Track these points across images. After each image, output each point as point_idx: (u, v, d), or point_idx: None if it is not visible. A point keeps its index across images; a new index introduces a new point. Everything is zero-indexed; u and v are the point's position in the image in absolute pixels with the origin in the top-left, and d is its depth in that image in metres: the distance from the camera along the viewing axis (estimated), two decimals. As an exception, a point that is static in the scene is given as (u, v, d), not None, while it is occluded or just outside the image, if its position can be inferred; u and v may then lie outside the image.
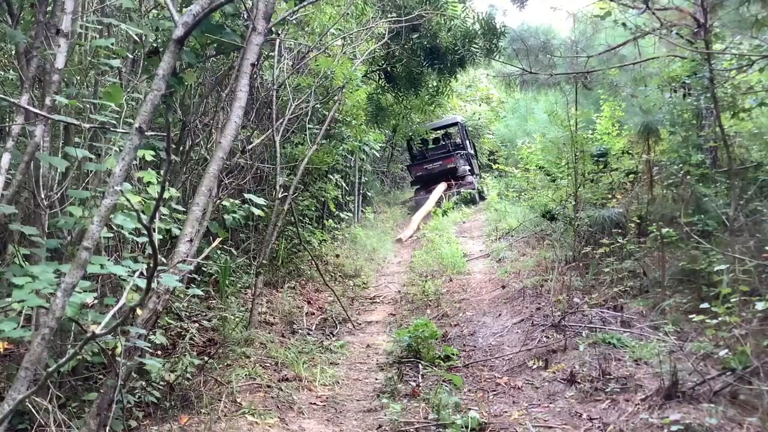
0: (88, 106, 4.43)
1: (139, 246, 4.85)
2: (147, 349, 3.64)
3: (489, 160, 21.83)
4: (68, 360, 2.46)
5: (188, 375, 4.75)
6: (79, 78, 4.75)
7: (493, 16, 8.10)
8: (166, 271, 3.48)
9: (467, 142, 17.71)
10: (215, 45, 5.22)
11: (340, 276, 9.67)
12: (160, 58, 3.41)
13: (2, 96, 3.69)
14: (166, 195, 4.26)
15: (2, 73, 5.17)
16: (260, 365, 5.43)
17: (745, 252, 5.03)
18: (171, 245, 5.06)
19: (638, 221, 7.36)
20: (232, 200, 5.37)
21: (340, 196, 11.57)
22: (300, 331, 6.94)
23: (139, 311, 3.61)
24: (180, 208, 4.71)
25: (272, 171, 8.17)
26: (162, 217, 4.51)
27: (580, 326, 5.96)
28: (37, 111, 3.36)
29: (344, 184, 11.97)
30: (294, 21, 7.32)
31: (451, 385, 5.14)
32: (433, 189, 15.33)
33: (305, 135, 8.24)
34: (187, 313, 6.24)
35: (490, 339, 6.61)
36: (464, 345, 6.55)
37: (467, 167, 16.61)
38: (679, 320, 5.36)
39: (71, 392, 4.05)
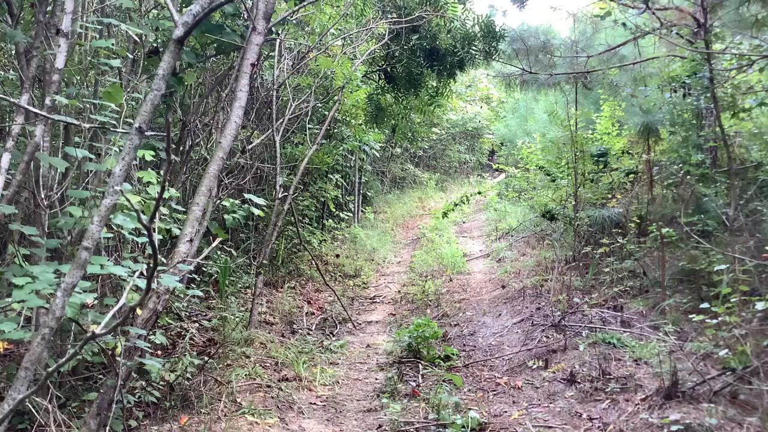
0: (88, 106, 4.43)
1: (139, 246, 4.85)
2: (147, 349, 3.64)
3: (489, 160, 22.00)
4: (68, 360, 2.46)
5: (188, 375, 4.75)
6: (79, 78, 4.76)
7: (492, 19, 8.09)
8: (166, 271, 3.48)
9: None
10: (215, 45, 5.22)
11: (340, 276, 9.67)
12: (160, 58, 3.41)
13: (2, 96, 3.69)
14: (166, 195, 4.26)
15: (2, 73, 5.17)
16: (260, 365, 5.43)
17: (745, 252, 5.03)
18: (171, 245, 5.06)
19: (638, 221, 7.36)
20: (232, 200, 5.37)
21: (340, 196, 11.57)
22: (300, 331, 6.94)
23: (139, 311, 3.62)
24: (180, 208, 4.71)
25: (272, 171, 8.17)
26: (162, 217, 4.51)
27: (580, 326, 5.97)
28: (37, 111, 3.36)
29: (344, 184, 11.97)
30: (294, 21, 7.32)
31: (451, 385, 5.14)
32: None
33: (305, 135, 8.24)
34: (187, 313, 6.25)
35: (490, 339, 6.61)
36: (464, 345, 6.55)
37: None
38: (679, 320, 5.36)
39: (71, 392, 4.05)
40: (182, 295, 5.82)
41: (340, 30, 8.34)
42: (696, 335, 5.05)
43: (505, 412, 4.61)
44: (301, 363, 5.66)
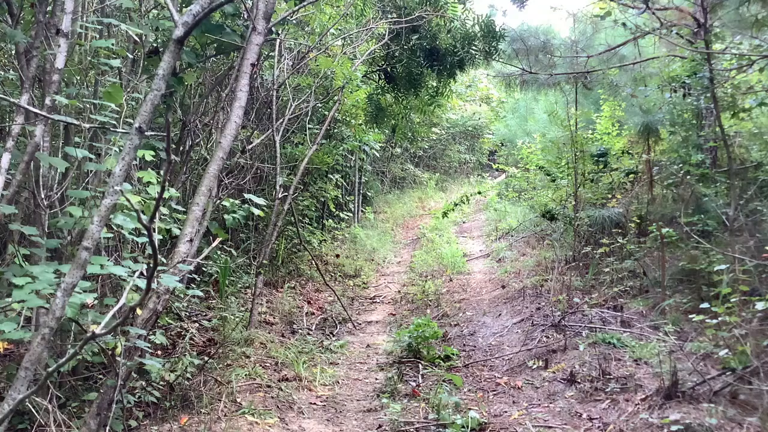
0: (88, 106, 4.43)
1: (139, 246, 4.85)
2: (147, 349, 3.64)
3: (489, 160, 21.96)
4: (68, 360, 2.46)
5: (188, 375, 4.75)
6: (79, 78, 4.75)
7: (492, 19, 8.09)
8: (166, 271, 3.48)
9: None
10: (215, 45, 5.22)
11: (340, 276, 9.67)
12: (160, 58, 3.41)
13: (2, 96, 3.69)
14: (166, 195, 4.26)
15: (2, 73, 5.17)
16: (260, 365, 5.43)
17: (745, 252, 5.03)
18: (171, 245, 5.06)
19: (638, 221, 7.36)
20: (232, 200, 5.37)
21: (340, 196, 11.57)
22: (300, 331, 6.94)
23: (139, 311, 3.62)
24: (180, 208, 4.71)
25: (272, 171, 8.17)
26: (162, 217, 4.51)
27: (580, 326, 5.97)
28: (37, 111, 3.36)
29: (344, 184, 11.96)
30: (294, 21, 7.32)
31: (451, 385, 5.14)
32: None
33: (305, 135, 8.24)
34: (187, 313, 6.25)
35: (490, 339, 6.61)
36: (464, 345, 6.55)
37: None
38: (679, 320, 5.36)
39: (71, 392, 4.05)
40: (182, 295, 5.82)
41: (340, 30, 8.34)
42: (696, 335, 5.05)
43: (505, 412, 4.61)
44: (301, 363, 5.66)
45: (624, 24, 7.06)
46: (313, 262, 8.72)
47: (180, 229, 4.13)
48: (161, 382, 4.48)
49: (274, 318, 7.07)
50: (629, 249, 6.95)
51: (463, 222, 15.28)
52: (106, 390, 3.39)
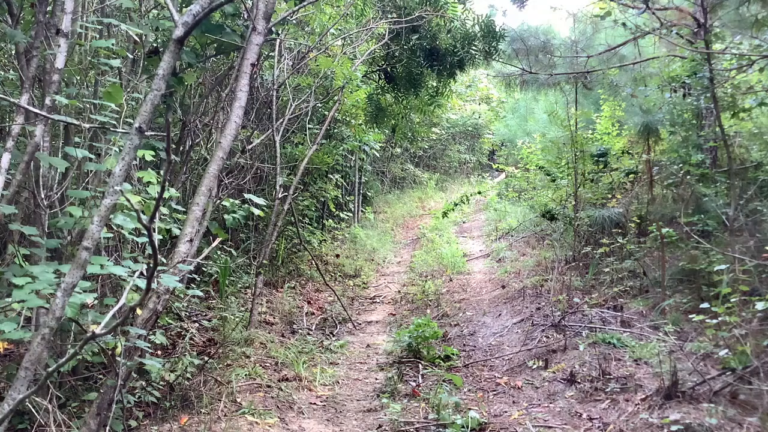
0: (88, 106, 4.43)
1: (139, 246, 4.85)
2: (147, 349, 3.64)
3: (489, 160, 21.97)
4: (68, 360, 2.46)
5: (188, 375, 4.75)
6: (79, 78, 4.75)
7: (492, 19, 8.09)
8: (166, 271, 3.48)
9: None
10: (215, 45, 5.22)
11: (340, 276, 9.67)
12: (160, 58, 3.41)
13: (2, 96, 3.69)
14: (166, 195, 4.26)
15: (2, 73, 5.17)
16: (260, 365, 5.43)
17: (745, 252, 5.03)
18: (171, 245, 5.06)
19: (638, 221, 7.36)
20: (232, 200, 5.37)
21: (340, 196, 11.57)
22: (300, 331, 6.94)
23: (139, 311, 3.62)
24: (180, 208, 4.71)
25: (272, 171, 8.17)
26: (162, 217, 4.51)
27: (580, 326, 5.97)
28: (37, 111, 3.36)
29: (344, 184, 11.97)
30: (294, 21, 7.32)
31: (451, 385, 5.14)
32: None
33: (305, 135, 8.24)
34: (187, 313, 6.25)
35: (490, 339, 6.61)
36: (464, 345, 6.55)
37: None
38: (679, 320, 5.36)
39: (71, 392, 4.05)
40: (182, 295, 5.82)
41: (340, 30, 8.34)
42: (696, 335, 5.05)
43: (505, 412, 4.61)
44: (301, 363, 5.66)
45: (624, 24, 7.06)
46: (313, 262, 8.72)
47: (180, 229, 4.13)
48: (161, 382, 4.48)
49: (274, 318, 7.07)
50: (629, 249, 6.95)
51: (463, 222, 15.28)
52: (106, 390, 3.39)
